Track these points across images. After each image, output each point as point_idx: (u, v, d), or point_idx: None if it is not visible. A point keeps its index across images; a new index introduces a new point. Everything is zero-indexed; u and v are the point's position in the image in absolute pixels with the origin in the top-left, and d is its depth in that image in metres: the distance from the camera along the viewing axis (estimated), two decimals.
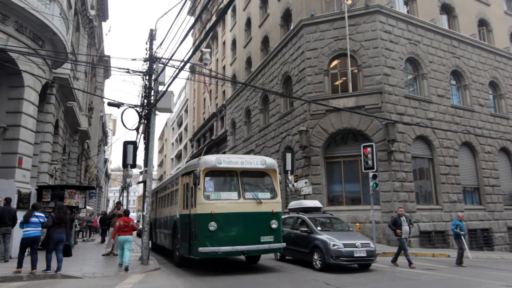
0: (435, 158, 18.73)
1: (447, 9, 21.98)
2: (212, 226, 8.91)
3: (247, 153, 26.51)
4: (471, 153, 20.48)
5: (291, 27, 21.32)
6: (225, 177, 10.03)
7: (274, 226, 9.55)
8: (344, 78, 18.63)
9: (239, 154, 28.30)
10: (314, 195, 17.27)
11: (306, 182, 16.53)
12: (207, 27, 35.29)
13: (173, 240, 11.17)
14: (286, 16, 22.46)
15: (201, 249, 8.77)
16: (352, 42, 18.24)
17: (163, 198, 13.92)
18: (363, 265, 9.94)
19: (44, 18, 12.54)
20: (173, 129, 70.30)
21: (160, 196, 14.62)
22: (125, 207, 17.10)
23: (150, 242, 13.23)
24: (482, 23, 23.34)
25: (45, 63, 14.12)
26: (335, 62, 19.12)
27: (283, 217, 12.12)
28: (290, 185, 16.26)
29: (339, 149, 18.42)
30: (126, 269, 9.47)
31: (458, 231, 12.09)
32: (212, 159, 9.67)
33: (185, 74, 67.09)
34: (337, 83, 18.98)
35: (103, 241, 18.45)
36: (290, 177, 16.13)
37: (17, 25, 12.05)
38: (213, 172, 9.64)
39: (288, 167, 16.20)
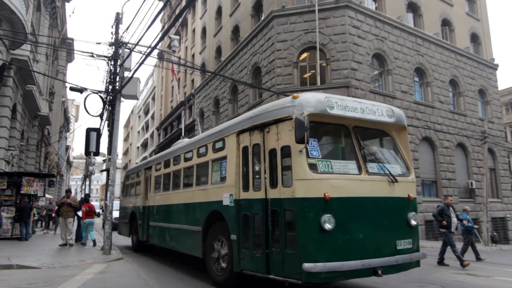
0: None
1: (413, 8, 22.62)
2: (328, 222, 4.84)
3: None
4: (431, 148, 21.34)
5: (262, 18, 21.24)
6: (334, 134, 6.02)
7: (413, 222, 5.74)
8: (313, 71, 18.82)
9: None
10: None
11: None
12: (177, 12, 34.58)
13: (205, 244, 6.97)
14: (257, 7, 22.34)
15: (307, 266, 4.67)
16: (322, 36, 18.43)
17: (173, 175, 9.26)
18: None
19: None
20: (139, 117, 68.74)
21: (164, 172, 9.93)
22: (84, 195, 16.58)
23: (134, 238, 12.12)
24: (445, 23, 24.23)
25: (2, 44, 13.37)
26: (304, 55, 19.27)
27: None
28: None
29: None
30: (94, 243, 12.10)
31: (471, 225, 11.27)
32: (320, 99, 5.37)
33: (153, 61, 65.62)
34: (306, 75, 19.16)
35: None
36: None
37: None
38: (319, 124, 5.53)
39: None
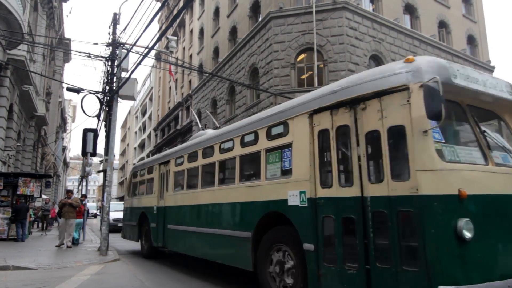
0: None
1: (410, 9, 22.70)
2: (467, 228, 3.64)
3: None
4: None
5: (260, 19, 21.26)
6: (449, 113, 4.28)
7: None
8: (310, 72, 18.85)
9: None
10: None
11: None
12: (174, 13, 34.56)
13: (256, 254, 5.75)
14: (255, 8, 22.36)
15: None
16: (319, 37, 18.47)
17: (202, 170, 7.82)
18: None
19: None
20: (136, 117, 68.62)
21: (189, 167, 8.45)
22: (81, 196, 16.53)
23: (144, 243, 10.60)
24: (442, 25, 24.33)
25: None
26: (302, 56, 19.30)
27: None
28: None
29: None
30: (77, 242, 12.84)
31: None
32: (443, 63, 4.14)
33: (150, 61, 65.58)
34: (303, 77, 19.19)
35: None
36: None
37: None
38: None
39: None
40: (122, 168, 79.01)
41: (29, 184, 14.32)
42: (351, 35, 18.57)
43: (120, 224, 18.90)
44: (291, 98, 17.39)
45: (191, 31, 37.52)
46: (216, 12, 28.47)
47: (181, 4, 30.84)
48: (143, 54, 9.85)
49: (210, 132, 8.64)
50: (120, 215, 19.32)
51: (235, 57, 23.65)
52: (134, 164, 77.75)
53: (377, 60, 19.90)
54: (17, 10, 13.25)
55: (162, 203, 9.54)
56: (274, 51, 19.16)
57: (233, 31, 24.95)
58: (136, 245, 12.04)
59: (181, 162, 8.86)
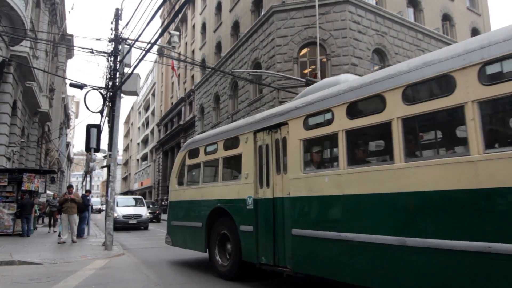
0: None
1: (413, 3, 22.53)
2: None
3: None
4: None
5: (262, 13, 21.17)
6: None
7: None
8: (313, 67, 18.79)
9: None
10: None
11: None
12: (176, 8, 34.44)
13: None
14: (257, 2, 22.26)
15: None
16: (322, 31, 18.38)
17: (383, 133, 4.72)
18: None
19: None
20: (139, 113, 68.71)
21: (335, 130, 4.94)
22: (85, 191, 16.61)
23: (223, 257, 7.04)
24: (446, 18, 24.14)
25: (2, 40, 13.34)
26: (304, 50, 19.22)
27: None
28: None
29: None
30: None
31: None
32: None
33: (152, 57, 65.47)
34: (306, 71, 19.12)
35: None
36: None
37: None
38: None
39: None
40: (126, 163, 79.28)
41: (33, 180, 14.40)
42: (354, 28, 18.46)
43: (132, 221, 18.46)
44: (294, 93, 17.25)
45: (193, 26, 37.44)
46: (218, 6, 28.37)
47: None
48: (146, 49, 9.84)
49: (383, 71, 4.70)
50: (131, 210, 18.99)
51: (238, 51, 23.59)
52: (137, 159, 76.63)
53: (380, 54, 19.81)
54: (19, 7, 13.25)
55: (268, 193, 6.09)
56: (276, 46, 19.09)
57: (236, 26, 24.86)
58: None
59: (320, 122, 5.33)
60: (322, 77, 18.22)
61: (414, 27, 21.45)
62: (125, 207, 19.17)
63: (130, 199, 21.95)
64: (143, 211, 19.61)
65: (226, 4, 26.63)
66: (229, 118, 24.34)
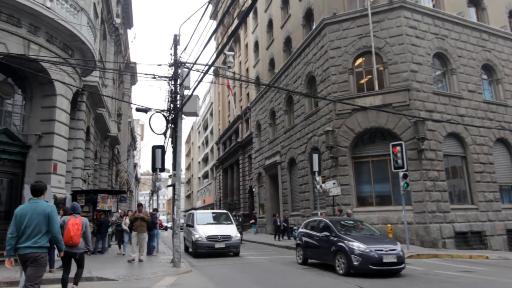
0: (468, 155, 18.11)
1: (475, 2, 21.26)
2: None
3: (273, 155, 26.53)
4: (507, 150, 19.70)
5: (313, 27, 21.18)
6: None
7: None
8: (370, 76, 18.34)
9: (264, 155, 28.39)
10: (342, 196, 17.11)
11: (334, 183, 16.36)
12: (229, 30, 35.63)
13: None
14: (308, 16, 22.34)
15: None
16: (377, 39, 17.94)
17: None
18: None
19: (73, 28, 12.96)
20: (199, 132, 71.22)
21: None
22: (152, 210, 17.37)
23: None
24: None
25: (75, 72, 14.60)
26: (359, 60, 18.85)
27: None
28: (317, 186, 16.13)
29: (367, 149, 18.13)
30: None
31: None
32: None
33: (209, 77, 67.91)
34: (362, 81, 18.71)
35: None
36: (318, 178, 16.01)
37: (47, 36, 12.51)
38: None
39: (315, 168, 16.09)
40: (188, 182, 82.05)
41: (107, 200, 15.43)
42: (411, 34, 17.80)
43: (219, 245, 13.71)
44: (351, 104, 16.91)
45: (246, 45, 38.36)
46: (270, 24, 28.87)
47: (236, 21, 31.74)
48: (204, 71, 10.26)
49: None
50: (216, 230, 14.27)
51: (291, 67, 23.73)
52: (198, 177, 79.21)
53: (442, 58, 18.85)
54: (89, 40, 14.45)
55: None
56: (330, 58, 18.94)
57: (288, 41, 25.10)
58: None
59: None
60: (380, 86, 17.70)
61: (477, 27, 20.19)
62: (208, 226, 14.65)
63: (212, 214, 16.98)
64: (232, 231, 14.56)
65: (277, 21, 27.04)
66: (285, 134, 24.40)
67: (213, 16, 43.68)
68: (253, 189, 32.85)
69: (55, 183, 12.71)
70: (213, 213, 17.39)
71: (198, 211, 16.96)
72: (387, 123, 17.24)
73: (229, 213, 17.25)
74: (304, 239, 11.57)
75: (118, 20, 27.52)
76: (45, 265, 4.98)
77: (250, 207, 34.88)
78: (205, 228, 14.27)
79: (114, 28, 26.35)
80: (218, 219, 15.84)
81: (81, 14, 13.86)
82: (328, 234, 10.22)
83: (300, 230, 12.26)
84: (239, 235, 14.73)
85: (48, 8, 11.85)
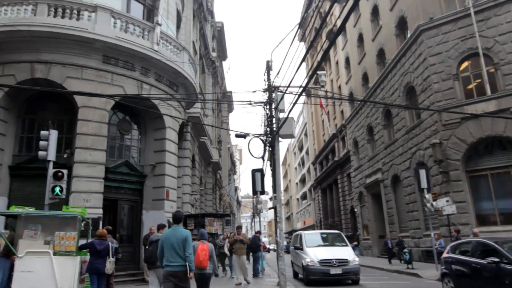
0: None
1: None
2: None
3: (373, 172, 25.34)
4: None
5: (408, 35, 20.10)
6: None
7: None
8: (479, 80, 16.61)
9: (364, 173, 27.25)
10: (458, 214, 15.43)
11: (447, 201, 14.79)
12: (318, 49, 35.71)
13: None
14: (401, 25, 21.30)
15: None
16: (484, 39, 16.26)
17: None
18: None
19: (176, 66, 14.32)
20: (294, 153, 71.68)
21: None
22: (255, 232, 17.72)
23: None
24: None
25: (180, 105, 15.98)
26: (465, 64, 17.23)
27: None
28: (428, 205, 14.81)
29: (484, 161, 16.22)
30: None
31: None
32: None
33: (301, 98, 68.61)
34: (470, 86, 17.01)
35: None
36: (428, 196, 14.74)
37: (156, 76, 14.01)
38: None
39: (424, 184, 14.89)
40: (287, 203, 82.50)
41: (213, 223, 16.24)
42: None
43: (335, 271, 11.78)
44: (460, 113, 15.37)
45: (337, 62, 37.93)
46: (360, 38, 28.22)
47: (324, 39, 31.74)
48: (298, 94, 10.37)
49: None
50: (329, 253, 12.50)
51: (386, 79, 22.71)
52: (297, 198, 79.08)
53: None
54: (191, 75, 15.77)
55: None
56: (430, 65, 17.67)
57: (381, 54, 24.18)
58: None
59: None
60: (493, 90, 15.89)
61: None
62: (319, 248, 13.09)
63: (323, 235, 15.39)
64: (349, 254, 12.65)
65: (368, 34, 26.31)
66: (386, 149, 23.19)
67: (303, 38, 44.36)
68: (355, 209, 31.59)
69: (168, 208, 13.83)
70: (323, 233, 15.86)
71: (306, 232, 15.39)
72: (506, 130, 15.28)
73: (342, 233, 15.56)
74: (455, 267, 8.92)
75: (214, 54, 29.62)
76: (186, 280, 5.82)
77: (353, 228, 33.50)
78: (317, 251, 12.56)
79: (211, 62, 28.36)
80: (330, 241, 14.24)
81: (183, 53, 15.24)
82: (497, 260, 7.44)
83: (446, 255, 9.66)
84: (357, 259, 12.57)
85: (156, 51, 13.29)
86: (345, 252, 12.66)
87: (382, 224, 24.78)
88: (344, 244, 13.67)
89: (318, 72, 14.63)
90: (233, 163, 49.04)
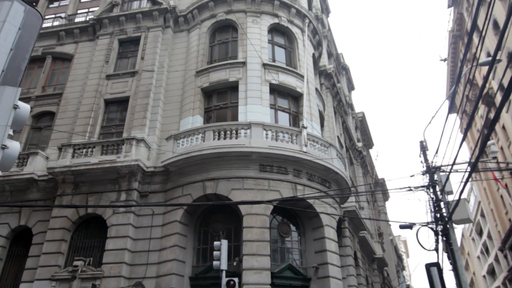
0: None
1: None
2: None
3: None
4: None
5: None
6: None
7: None
8: None
9: None
10: None
11: None
12: (475, 117, 32.14)
13: None
14: None
15: None
16: None
17: None
18: None
19: (326, 163, 14.55)
20: (473, 239, 61.27)
21: None
22: None
23: None
24: None
25: (335, 201, 15.77)
26: None
27: None
28: None
29: None
30: None
31: None
32: None
33: (466, 174, 61.08)
34: None
35: None
36: None
37: (308, 175, 14.39)
38: None
39: None
40: None
41: None
42: None
43: None
44: None
45: (503, 127, 33.23)
46: None
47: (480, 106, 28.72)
48: (467, 171, 9.17)
49: None
50: None
51: None
52: None
53: None
54: (341, 170, 15.73)
55: None
56: None
57: None
58: None
59: None
60: None
61: None
62: None
63: None
64: None
65: None
66: None
67: (455, 110, 41.03)
68: None
69: None
70: None
71: None
72: None
73: None
74: None
75: (359, 144, 29.45)
76: None
77: None
78: None
79: (357, 152, 28.13)
80: None
81: (330, 149, 15.54)
82: None
83: None
84: None
85: (305, 152, 13.90)
86: None
87: None
88: None
89: (488, 143, 12.93)
90: (399, 257, 44.41)
